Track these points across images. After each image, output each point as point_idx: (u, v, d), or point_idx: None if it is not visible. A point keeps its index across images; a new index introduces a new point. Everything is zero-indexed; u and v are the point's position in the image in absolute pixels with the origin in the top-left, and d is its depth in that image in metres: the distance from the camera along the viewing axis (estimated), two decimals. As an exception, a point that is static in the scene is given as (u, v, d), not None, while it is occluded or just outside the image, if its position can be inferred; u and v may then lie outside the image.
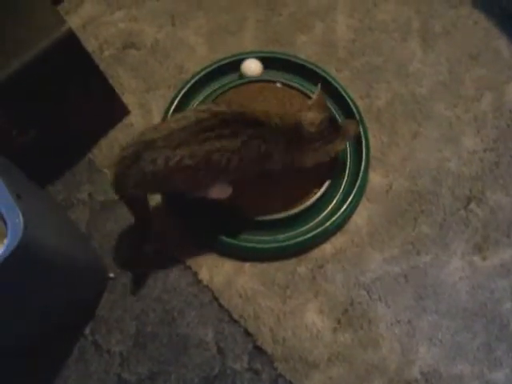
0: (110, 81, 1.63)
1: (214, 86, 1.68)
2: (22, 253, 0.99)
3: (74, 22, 1.78)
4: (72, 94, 1.43)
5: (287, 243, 1.52)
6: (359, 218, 1.59)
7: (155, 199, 1.58)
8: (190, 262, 1.54)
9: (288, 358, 1.46)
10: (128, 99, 1.69)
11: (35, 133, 1.42)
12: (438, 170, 1.63)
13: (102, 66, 1.68)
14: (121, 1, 1.84)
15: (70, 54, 1.31)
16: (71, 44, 1.28)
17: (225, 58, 1.70)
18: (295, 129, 1.41)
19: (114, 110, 1.63)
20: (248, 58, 1.67)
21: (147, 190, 1.41)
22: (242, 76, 1.67)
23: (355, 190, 1.57)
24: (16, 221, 0.99)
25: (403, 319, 1.49)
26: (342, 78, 1.70)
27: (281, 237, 1.54)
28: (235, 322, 1.49)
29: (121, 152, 1.33)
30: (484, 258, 1.55)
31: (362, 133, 1.61)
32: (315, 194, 1.55)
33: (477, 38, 1.80)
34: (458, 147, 1.66)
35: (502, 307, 1.51)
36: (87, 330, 1.50)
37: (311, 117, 1.43)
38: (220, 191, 1.49)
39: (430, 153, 1.65)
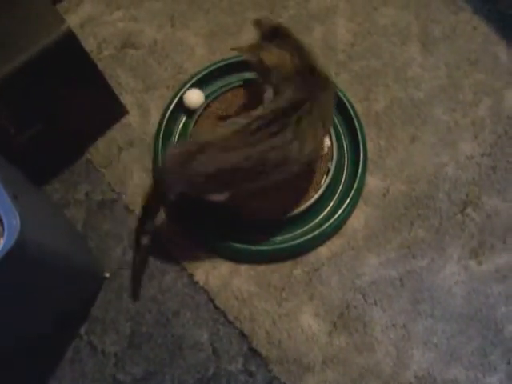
0: (109, 80, 1.62)
1: (213, 87, 1.68)
2: (18, 253, 0.99)
3: (73, 21, 1.77)
4: (70, 93, 1.42)
5: (283, 246, 1.52)
6: (356, 222, 1.59)
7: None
8: (186, 263, 1.54)
9: (283, 361, 1.46)
10: (126, 99, 1.69)
11: (33, 132, 1.42)
12: (435, 175, 1.63)
13: (100, 66, 1.67)
14: (120, 0, 1.84)
15: (69, 53, 1.30)
16: (70, 43, 1.27)
17: (224, 60, 1.70)
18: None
19: (112, 110, 1.63)
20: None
21: (191, 190, 1.40)
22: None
23: (352, 193, 1.57)
24: (13, 221, 0.98)
25: (398, 323, 1.50)
26: (340, 82, 1.70)
27: (277, 239, 1.54)
28: (230, 323, 1.49)
29: (172, 150, 1.35)
30: (480, 263, 1.55)
31: (359, 136, 1.62)
32: (312, 196, 1.55)
33: (476, 44, 1.80)
34: (456, 152, 1.66)
35: (496, 312, 1.51)
36: (82, 331, 1.50)
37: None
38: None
39: (427, 157, 1.66)
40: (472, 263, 1.55)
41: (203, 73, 1.68)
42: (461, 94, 1.73)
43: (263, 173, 1.34)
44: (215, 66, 1.69)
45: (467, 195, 1.62)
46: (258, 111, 1.35)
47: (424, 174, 1.64)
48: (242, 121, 1.33)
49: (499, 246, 1.57)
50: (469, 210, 1.60)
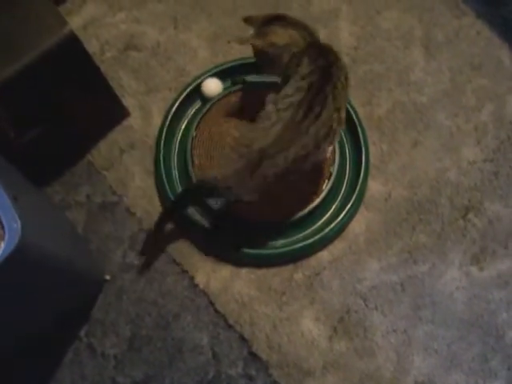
0: (111, 82, 1.62)
1: (215, 90, 1.69)
2: (19, 256, 0.99)
3: (75, 22, 1.77)
4: (72, 95, 1.42)
5: (285, 249, 1.52)
6: (357, 226, 1.58)
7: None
8: (187, 265, 1.54)
9: (283, 365, 1.45)
10: (128, 101, 1.68)
11: (34, 133, 1.41)
12: (438, 180, 1.63)
13: (102, 68, 1.67)
14: (123, 2, 1.83)
15: (71, 55, 1.30)
16: (72, 46, 1.27)
17: (226, 62, 1.70)
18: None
19: (113, 112, 1.62)
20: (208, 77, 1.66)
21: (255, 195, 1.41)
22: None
23: (354, 197, 1.56)
24: (13, 224, 0.98)
25: (399, 328, 1.49)
26: (343, 85, 1.69)
27: (278, 243, 1.53)
28: (231, 327, 1.49)
29: (227, 170, 1.34)
30: (481, 269, 1.55)
31: (361, 140, 1.61)
32: (314, 200, 1.54)
33: (479, 48, 1.79)
34: (458, 157, 1.66)
35: (498, 318, 1.51)
36: (82, 333, 1.49)
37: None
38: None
39: (429, 162, 1.65)
40: (473, 269, 1.55)
41: (205, 75, 1.67)
42: (464, 99, 1.73)
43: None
44: (217, 69, 1.68)
45: (469, 200, 1.61)
46: (290, 94, 1.32)
47: (426, 178, 1.63)
48: (272, 117, 1.31)
49: (501, 252, 1.57)
50: (471, 216, 1.60)
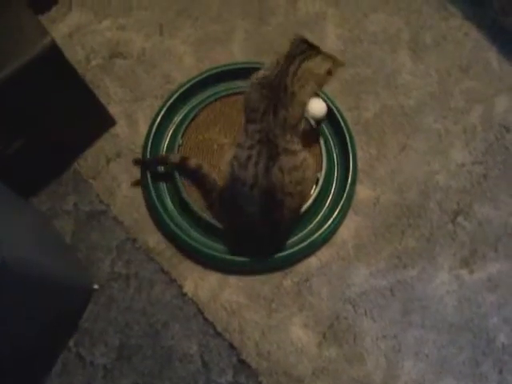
0: (97, 91, 1.63)
1: (201, 96, 1.67)
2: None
3: (60, 30, 1.77)
4: (56, 105, 1.41)
5: (272, 256, 1.51)
6: (346, 231, 1.58)
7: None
8: (175, 274, 1.53)
9: (272, 372, 1.45)
10: (114, 109, 1.67)
11: (19, 144, 1.41)
12: (426, 183, 1.62)
13: (88, 76, 1.69)
14: (108, 9, 1.82)
15: (53, 66, 1.28)
16: (54, 56, 1.25)
17: (212, 69, 1.69)
18: None
19: (99, 121, 1.61)
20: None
21: None
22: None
23: (341, 203, 1.56)
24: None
25: (389, 334, 1.49)
26: (330, 90, 1.67)
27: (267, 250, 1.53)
28: (220, 335, 1.48)
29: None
30: (471, 272, 1.54)
31: (349, 145, 1.61)
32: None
33: (467, 50, 1.79)
34: (447, 160, 1.65)
35: (488, 322, 1.50)
36: (71, 342, 1.49)
37: None
38: None
39: (418, 166, 1.64)
40: (463, 272, 1.55)
41: (191, 82, 1.67)
42: (452, 101, 1.72)
43: None
44: (203, 75, 1.68)
45: (458, 204, 1.61)
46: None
47: (415, 182, 1.63)
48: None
49: (491, 255, 1.56)
50: (460, 219, 1.59)
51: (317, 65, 1.41)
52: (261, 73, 1.40)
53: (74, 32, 1.78)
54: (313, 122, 1.59)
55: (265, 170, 1.33)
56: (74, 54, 1.73)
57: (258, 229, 1.44)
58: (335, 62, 1.44)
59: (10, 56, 1.22)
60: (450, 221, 1.59)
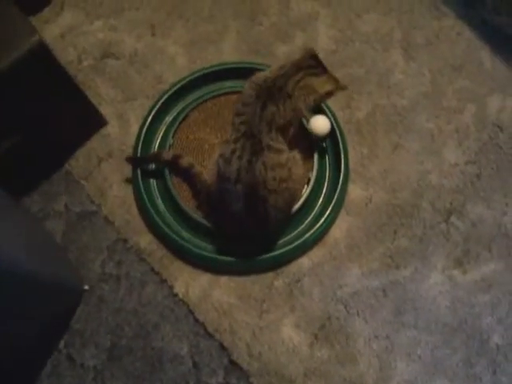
0: (88, 91, 1.63)
1: (193, 96, 1.66)
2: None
3: (53, 31, 1.77)
4: (46, 105, 1.40)
5: (264, 256, 1.50)
6: (338, 231, 1.57)
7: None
8: (166, 274, 1.52)
9: (264, 373, 1.44)
10: (106, 109, 1.67)
11: (9, 144, 1.40)
12: (419, 183, 1.61)
13: (80, 76, 1.69)
14: (100, 10, 1.82)
15: (42, 65, 1.28)
16: (42, 55, 1.25)
17: (203, 69, 1.68)
18: None
19: (90, 121, 1.61)
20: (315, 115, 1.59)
21: None
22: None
23: (333, 202, 1.55)
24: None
25: (381, 334, 1.47)
26: (322, 89, 1.68)
27: (258, 250, 1.52)
28: (211, 336, 1.47)
29: None
30: (464, 272, 1.53)
31: (340, 145, 1.60)
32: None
33: (460, 50, 1.78)
34: (440, 159, 1.64)
35: (482, 322, 1.49)
36: (61, 344, 1.48)
37: None
38: None
39: (410, 165, 1.63)
40: (456, 273, 1.53)
41: (182, 82, 1.66)
42: (444, 101, 1.71)
43: None
44: (194, 76, 1.67)
45: (451, 203, 1.59)
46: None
47: (407, 182, 1.62)
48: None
49: (484, 255, 1.55)
50: (453, 219, 1.58)
51: (320, 83, 1.45)
52: (262, 74, 1.42)
53: (65, 33, 1.78)
54: (314, 137, 1.59)
55: (248, 164, 1.33)
56: (66, 55, 1.73)
57: (245, 227, 1.43)
58: (338, 86, 1.47)
59: (-2, 54, 1.22)
60: (443, 220, 1.58)
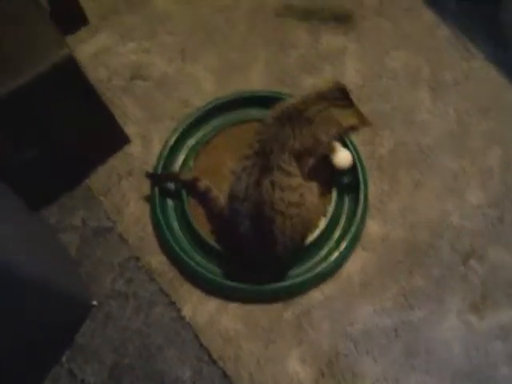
0: (115, 110, 1.66)
1: (217, 121, 1.68)
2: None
3: (87, 50, 1.82)
4: (71, 118, 1.43)
5: (274, 285, 1.48)
6: (352, 266, 1.53)
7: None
8: (175, 297, 1.51)
9: (265, 406, 1.40)
10: (130, 129, 1.70)
11: (32, 154, 1.43)
12: (439, 223, 1.58)
13: (108, 95, 1.72)
14: (134, 33, 1.87)
15: (69, 78, 1.31)
16: (69, 69, 1.28)
17: (229, 95, 1.70)
18: None
19: (114, 139, 1.64)
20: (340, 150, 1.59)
21: None
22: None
23: (349, 237, 1.52)
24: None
25: (390, 376, 1.42)
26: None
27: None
28: (214, 362, 1.44)
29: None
30: (481, 318, 1.47)
31: (361, 179, 1.58)
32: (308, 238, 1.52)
33: (488, 91, 1.76)
34: (461, 200, 1.61)
35: (497, 372, 1.42)
36: (64, 358, 1.47)
37: None
38: None
39: (431, 204, 1.60)
40: (473, 318, 1.47)
41: (208, 107, 1.68)
42: (470, 142, 1.68)
43: None
44: (220, 101, 1.69)
45: (471, 246, 1.55)
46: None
47: (427, 221, 1.58)
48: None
49: (503, 302, 1.49)
50: (472, 262, 1.53)
51: (344, 116, 1.44)
52: (287, 102, 1.43)
53: (99, 52, 1.83)
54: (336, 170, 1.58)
55: (256, 181, 1.32)
56: (98, 73, 1.78)
57: (252, 249, 1.41)
58: (363, 121, 1.46)
59: (25, 65, 1.25)
60: (461, 263, 1.53)
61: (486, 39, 1.84)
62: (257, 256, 1.44)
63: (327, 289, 1.51)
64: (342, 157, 1.57)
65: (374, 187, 1.62)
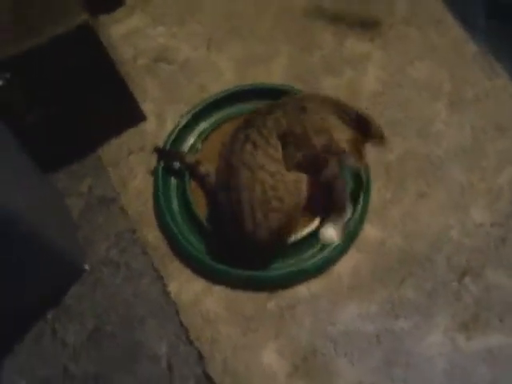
0: (136, 87, 1.71)
1: (232, 109, 1.70)
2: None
3: (119, 29, 1.90)
4: (85, 86, 1.49)
5: (259, 273, 1.48)
6: (344, 267, 1.51)
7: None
8: (164, 272, 1.53)
9: (235, 392, 1.39)
10: (147, 107, 1.75)
11: (45, 113, 1.48)
12: (439, 236, 1.54)
13: (132, 73, 1.79)
14: (165, 18, 1.93)
15: (85, 46, 1.37)
16: (85, 36, 1.34)
17: (246, 85, 1.74)
18: None
19: (129, 114, 1.68)
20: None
21: None
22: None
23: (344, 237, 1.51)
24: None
25: (365, 381, 1.38)
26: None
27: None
28: (191, 342, 1.44)
29: None
30: (469, 339, 1.41)
31: (364, 182, 1.56)
32: (300, 231, 1.51)
33: (508, 111, 1.71)
34: (465, 216, 1.56)
35: (477, 397, 1.36)
36: (49, 315, 1.51)
37: None
38: None
39: (433, 216, 1.56)
40: (460, 337, 1.42)
41: (224, 94, 1.72)
42: (482, 159, 1.64)
43: None
44: (237, 90, 1.72)
45: (468, 263, 1.50)
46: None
47: (426, 232, 1.54)
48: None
49: (495, 324, 1.43)
50: (467, 280, 1.48)
51: (339, 129, 1.43)
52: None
53: (130, 33, 1.90)
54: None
55: (240, 146, 1.38)
56: (125, 52, 1.85)
57: (227, 229, 1.44)
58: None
59: (44, 26, 1.32)
60: (456, 279, 1.48)
61: (512, 60, 1.82)
62: (230, 233, 1.45)
63: (314, 286, 1.49)
64: (327, 232, 1.54)
65: (378, 192, 1.60)
